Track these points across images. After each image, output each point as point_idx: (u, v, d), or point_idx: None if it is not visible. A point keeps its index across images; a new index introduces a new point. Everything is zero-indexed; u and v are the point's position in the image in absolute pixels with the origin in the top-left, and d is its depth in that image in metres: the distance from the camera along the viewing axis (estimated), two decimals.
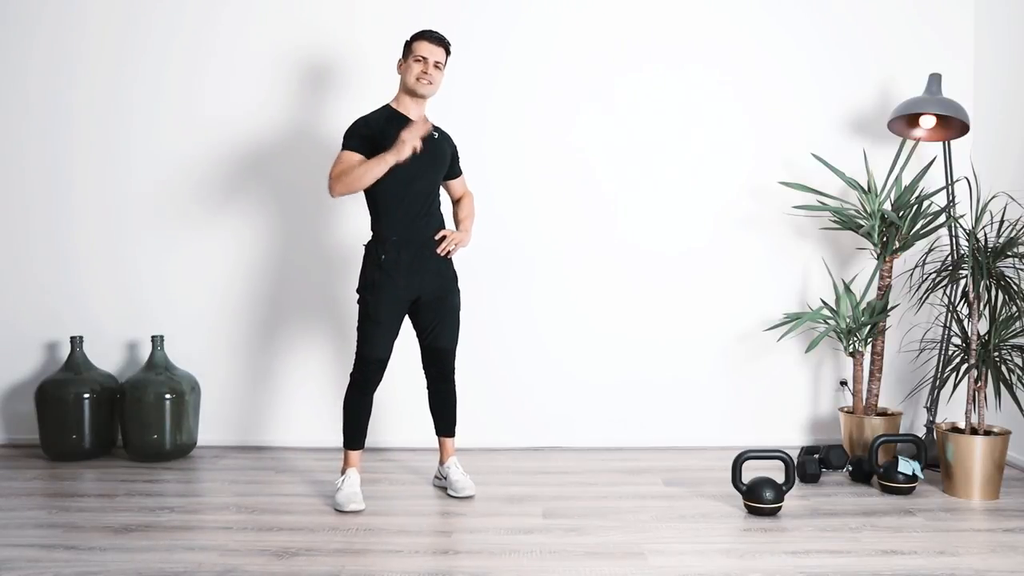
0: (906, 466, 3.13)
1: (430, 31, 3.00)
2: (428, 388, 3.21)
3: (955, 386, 3.34)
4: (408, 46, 3.01)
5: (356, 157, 2.92)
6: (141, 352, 3.85)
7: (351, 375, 3.03)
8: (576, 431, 3.87)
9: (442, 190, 3.22)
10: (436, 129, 3.08)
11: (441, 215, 3.10)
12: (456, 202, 3.27)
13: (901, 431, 3.73)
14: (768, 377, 3.88)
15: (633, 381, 3.87)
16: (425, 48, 2.96)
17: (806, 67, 3.85)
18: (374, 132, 2.95)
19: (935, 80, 3.51)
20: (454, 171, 3.21)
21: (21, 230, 3.86)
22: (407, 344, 3.28)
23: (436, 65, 2.98)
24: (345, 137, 2.99)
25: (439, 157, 3.07)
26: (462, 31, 3.74)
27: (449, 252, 3.05)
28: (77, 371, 3.64)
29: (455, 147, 3.19)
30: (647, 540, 2.65)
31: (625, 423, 3.87)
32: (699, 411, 3.88)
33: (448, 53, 3.03)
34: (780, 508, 2.91)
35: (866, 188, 3.56)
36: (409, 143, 2.82)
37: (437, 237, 3.04)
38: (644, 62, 3.84)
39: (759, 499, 2.88)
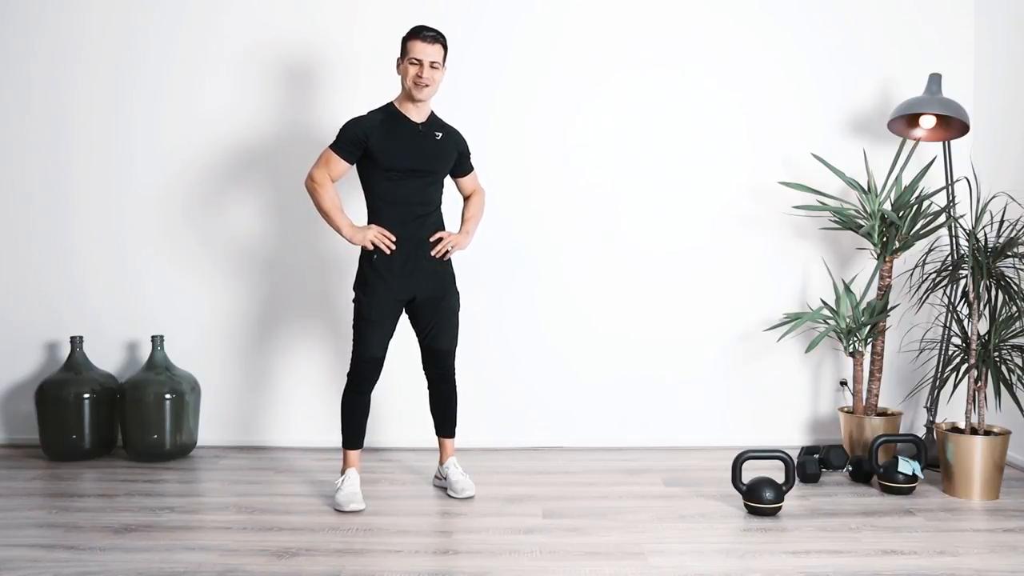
0: (906, 466, 3.13)
1: (424, 29, 2.92)
2: (428, 388, 3.21)
3: (955, 386, 3.34)
4: (404, 45, 2.94)
5: (342, 166, 2.97)
6: (141, 352, 3.85)
7: (348, 374, 3.04)
8: (576, 431, 3.87)
9: (454, 188, 3.24)
10: (440, 129, 3.07)
11: (440, 215, 3.10)
12: (466, 199, 3.25)
13: (901, 431, 3.72)
14: (768, 377, 3.88)
15: (633, 381, 3.87)
16: (419, 49, 2.89)
17: (806, 67, 3.84)
18: (366, 134, 2.93)
19: (935, 80, 3.51)
20: (463, 168, 3.18)
21: (21, 230, 3.86)
22: (407, 344, 3.28)
23: (432, 66, 2.91)
24: (337, 135, 2.98)
25: (438, 157, 3.04)
26: (464, 32, 3.74)
27: (445, 254, 3.05)
28: (77, 371, 3.64)
29: (463, 144, 3.15)
30: (647, 540, 2.65)
31: (625, 423, 3.87)
32: (699, 411, 3.88)
33: (445, 48, 2.96)
34: (780, 508, 2.91)
35: (866, 188, 3.56)
36: (368, 239, 2.92)
37: (433, 239, 3.03)
38: (645, 62, 3.84)
39: (759, 499, 2.88)
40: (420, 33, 2.91)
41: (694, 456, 3.70)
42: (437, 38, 2.93)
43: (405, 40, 2.94)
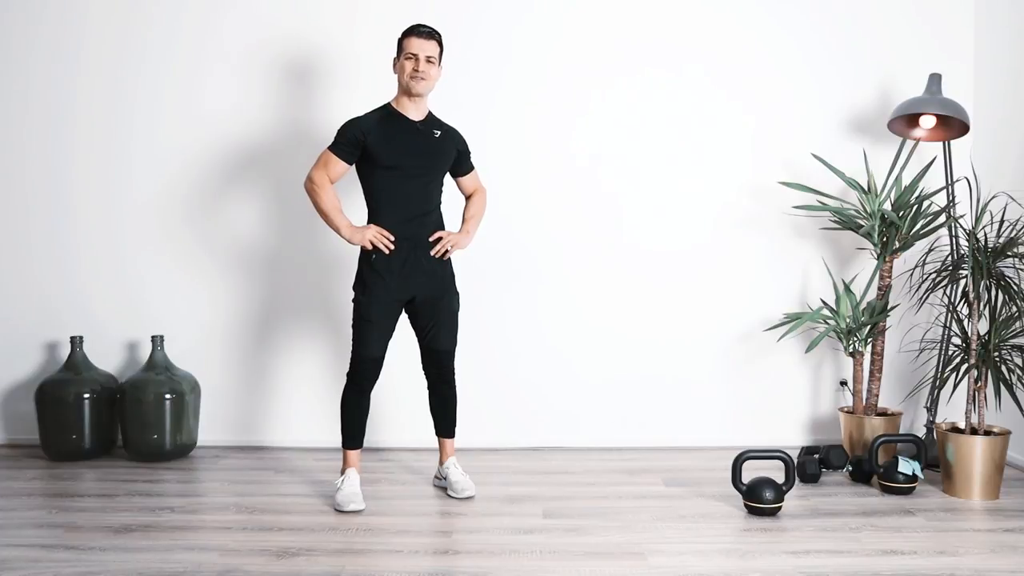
0: (906, 466, 3.13)
1: (419, 26, 2.97)
2: (428, 389, 3.21)
3: (955, 386, 3.34)
4: (399, 44, 3.00)
5: (340, 166, 2.98)
6: (141, 352, 3.85)
7: (347, 374, 3.04)
8: (576, 431, 3.87)
9: (455, 187, 3.24)
10: (439, 127, 3.08)
11: (440, 215, 3.10)
12: (467, 199, 3.26)
13: (901, 431, 3.72)
14: (768, 377, 3.88)
15: (633, 381, 3.87)
16: (415, 44, 2.94)
17: (806, 67, 3.84)
18: (364, 134, 2.94)
19: (935, 80, 3.51)
20: (463, 168, 3.19)
21: (21, 230, 3.86)
22: (407, 344, 3.27)
23: (428, 60, 2.95)
24: (335, 136, 3.00)
25: (437, 156, 3.05)
26: (465, 32, 3.74)
27: (444, 254, 3.05)
28: (77, 371, 3.64)
29: (463, 144, 3.16)
30: (647, 540, 2.65)
31: (625, 423, 3.87)
32: (699, 411, 3.88)
33: (440, 46, 3.00)
34: (780, 508, 2.91)
35: (866, 188, 3.56)
36: (367, 239, 2.92)
37: (432, 239, 3.03)
38: (645, 63, 3.84)
39: (759, 499, 2.88)
40: (416, 29, 2.97)
41: (694, 456, 3.70)
42: (432, 34, 2.98)
43: (401, 38, 3.00)
